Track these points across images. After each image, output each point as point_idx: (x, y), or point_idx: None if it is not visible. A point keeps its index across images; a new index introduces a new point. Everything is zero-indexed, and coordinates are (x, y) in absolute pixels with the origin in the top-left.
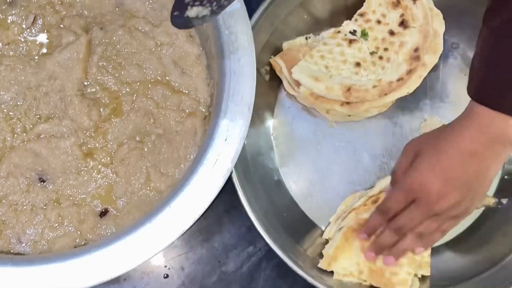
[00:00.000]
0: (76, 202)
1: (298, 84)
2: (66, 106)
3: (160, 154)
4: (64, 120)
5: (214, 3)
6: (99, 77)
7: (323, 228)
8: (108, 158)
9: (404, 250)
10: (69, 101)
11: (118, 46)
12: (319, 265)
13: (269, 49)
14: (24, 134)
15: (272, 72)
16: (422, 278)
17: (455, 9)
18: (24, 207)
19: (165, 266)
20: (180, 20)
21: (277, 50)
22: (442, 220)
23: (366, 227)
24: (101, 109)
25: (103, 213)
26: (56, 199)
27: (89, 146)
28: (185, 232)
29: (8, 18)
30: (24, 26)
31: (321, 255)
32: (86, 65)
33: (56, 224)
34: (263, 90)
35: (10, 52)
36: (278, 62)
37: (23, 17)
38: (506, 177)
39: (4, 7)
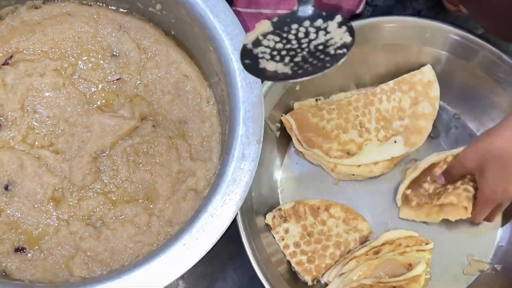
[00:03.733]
0: None
1: (306, 141)
2: (75, 156)
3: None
4: (64, 163)
5: (292, 64)
6: (115, 159)
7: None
8: (71, 214)
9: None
10: (82, 155)
11: (151, 149)
12: None
13: (280, 107)
14: (29, 147)
15: (283, 129)
16: None
17: (455, 82)
18: None
19: None
20: (252, 67)
21: (288, 109)
22: None
23: None
24: (96, 184)
25: None
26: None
27: (63, 195)
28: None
29: (105, 65)
30: (109, 78)
31: None
32: (116, 141)
33: None
34: (273, 145)
35: (79, 86)
36: (289, 120)
37: (115, 72)
38: (501, 244)
39: (109, 58)
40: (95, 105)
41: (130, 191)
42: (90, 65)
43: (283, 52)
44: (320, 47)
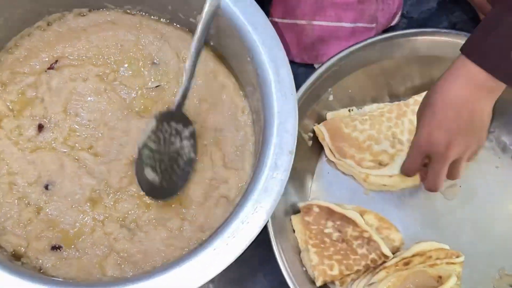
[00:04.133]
0: None
1: (339, 151)
2: (113, 159)
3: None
4: (103, 165)
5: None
6: None
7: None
8: (106, 215)
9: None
10: (120, 158)
11: None
12: None
13: (313, 117)
14: (70, 149)
15: (315, 138)
16: None
17: None
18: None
19: None
20: (139, 176)
21: (321, 119)
22: (463, 161)
23: None
24: (132, 187)
25: None
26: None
27: (100, 196)
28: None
29: (145, 73)
30: (150, 84)
31: None
32: None
33: None
34: (306, 154)
35: (120, 92)
36: (321, 129)
37: (154, 79)
38: None
39: (149, 65)
40: (135, 111)
41: None
42: (130, 72)
43: (156, 156)
44: (175, 155)
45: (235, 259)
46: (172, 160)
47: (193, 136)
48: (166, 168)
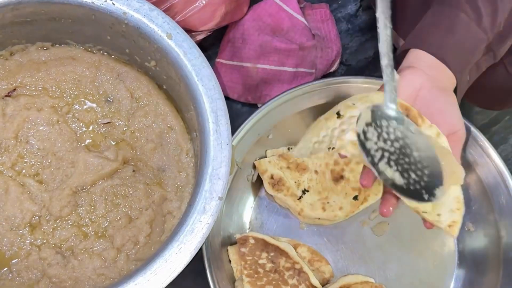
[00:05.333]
0: None
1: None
2: (57, 188)
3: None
4: (46, 193)
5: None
6: (94, 196)
7: None
8: (44, 241)
9: None
10: (63, 187)
11: (130, 192)
12: None
13: (254, 154)
14: (16, 174)
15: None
16: None
17: None
18: None
19: None
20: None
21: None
22: None
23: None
24: (72, 217)
25: None
26: None
27: (39, 222)
28: None
29: (98, 109)
30: (100, 120)
31: None
32: (97, 180)
33: None
34: (247, 189)
35: (72, 124)
36: (262, 163)
37: (106, 116)
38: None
39: (103, 102)
40: (83, 144)
41: (104, 227)
42: (85, 106)
43: (385, 154)
44: (413, 166)
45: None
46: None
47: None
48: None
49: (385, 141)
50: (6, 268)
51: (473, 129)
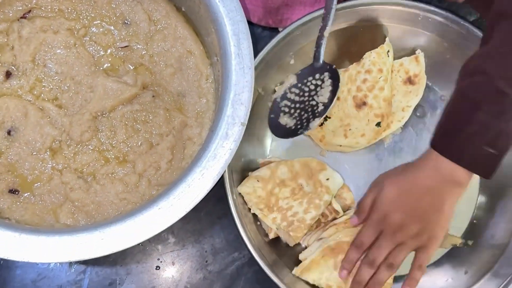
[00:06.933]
0: None
1: None
2: (76, 113)
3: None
4: (66, 118)
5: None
6: (114, 121)
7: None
8: (65, 165)
9: (379, 283)
10: (83, 112)
11: (149, 118)
12: (293, 272)
13: (274, 80)
14: (35, 98)
15: None
16: None
17: (445, 65)
18: None
19: (158, 259)
20: (273, 123)
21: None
22: (408, 249)
23: (345, 261)
24: (93, 142)
25: None
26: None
27: (60, 147)
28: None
29: (115, 32)
30: (117, 44)
31: (296, 262)
32: (117, 105)
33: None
34: (265, 115)
35: (89, 48)
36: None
37: (124, 39)
38: (475, 221)
39: (120, 25)
40: (102, 68)
41: (125, 152)
42: (101, 29)
43: (296, 105)
44: (313, 102)
45: (178, 219)
46: (310, 106)
47: (334, 77)
48: (302, 113)
49: (302, 94)
50: (28, 193)
51: None
